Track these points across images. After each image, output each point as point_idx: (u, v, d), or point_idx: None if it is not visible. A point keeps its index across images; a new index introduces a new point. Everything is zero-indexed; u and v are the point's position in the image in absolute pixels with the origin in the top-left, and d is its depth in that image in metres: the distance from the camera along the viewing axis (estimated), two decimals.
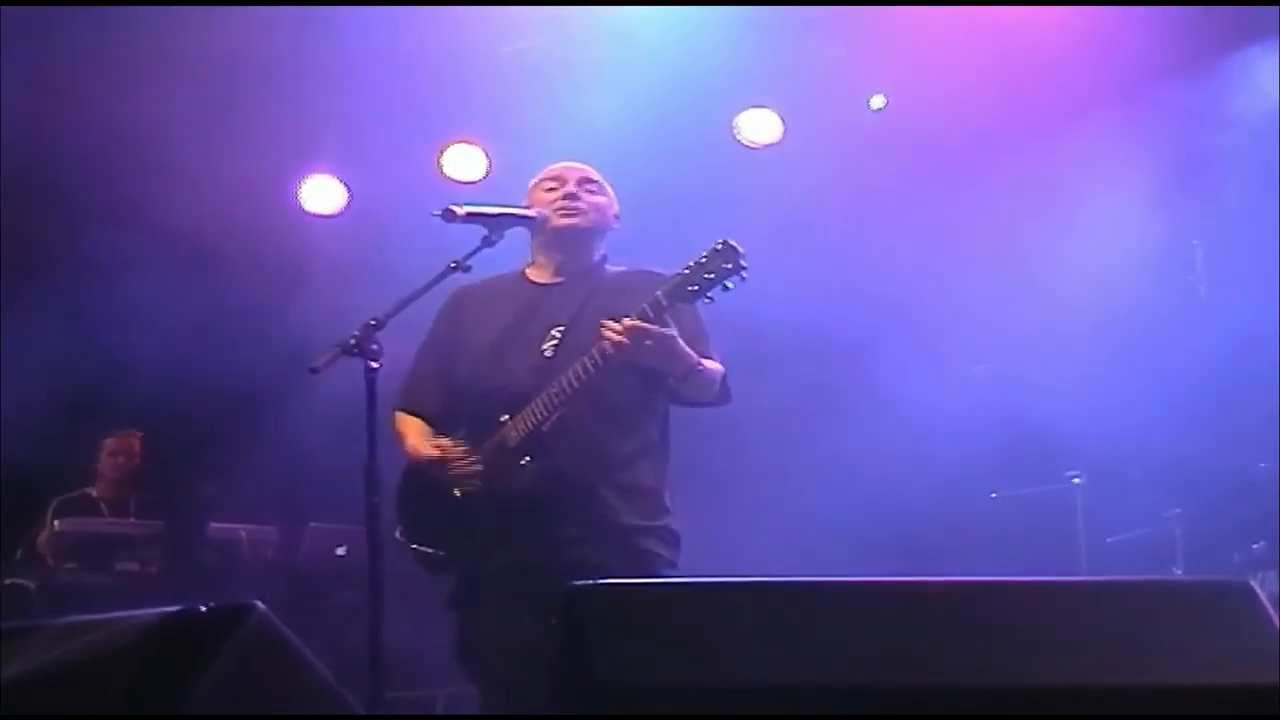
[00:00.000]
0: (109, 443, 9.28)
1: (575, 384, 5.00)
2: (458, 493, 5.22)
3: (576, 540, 5.06)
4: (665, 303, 4.92)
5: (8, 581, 8.42)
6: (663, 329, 4.94)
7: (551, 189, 5.43)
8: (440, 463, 5.23)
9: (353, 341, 4.94)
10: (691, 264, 4.90)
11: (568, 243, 5.43)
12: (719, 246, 4.88)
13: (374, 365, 4.95)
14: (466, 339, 5.43)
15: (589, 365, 4.97)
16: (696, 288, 4.88)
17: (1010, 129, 8.30)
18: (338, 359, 4.96)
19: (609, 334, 4.90)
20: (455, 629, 5.33)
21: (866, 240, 8.58)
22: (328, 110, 8.60)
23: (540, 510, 5.10)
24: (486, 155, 9.02)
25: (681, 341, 5.02)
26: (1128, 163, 7.93)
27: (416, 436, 5.38)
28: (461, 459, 5.22)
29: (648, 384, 5.19)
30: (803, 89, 8.68)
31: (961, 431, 8.16)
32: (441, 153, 9.01)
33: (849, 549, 8.06)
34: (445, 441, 5.28)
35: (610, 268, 5.50)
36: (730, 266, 4.86)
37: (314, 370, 4.98)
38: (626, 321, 4.90)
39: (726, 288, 4.89)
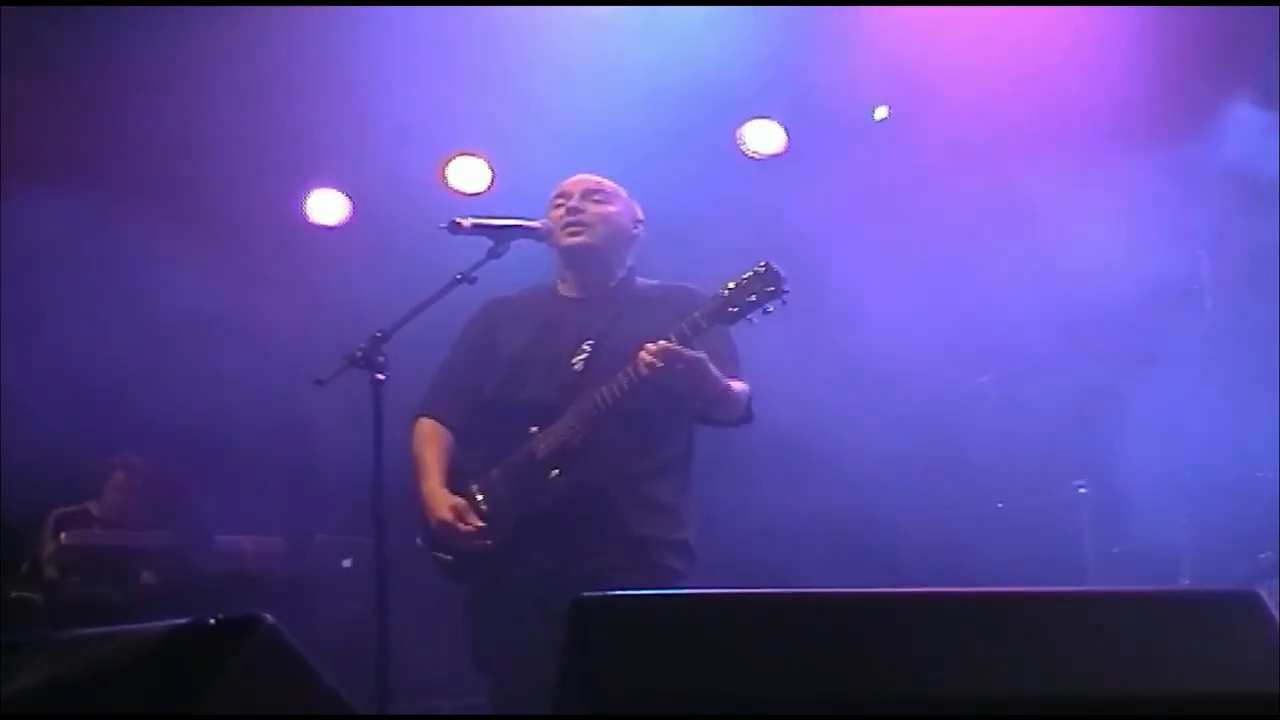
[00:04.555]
0: (118, 476, 9.26)
1: (608, 401, 5.01)
2: (483, 504, 5.24)
3: (594, 553, 5.08)
4: (704, 324, 4.93)
5: (14, 594, 8.41)
6: (696, 353, 4.94)
7: (559, 205, 5.44)
8: (454, 530, 5.23)
9: (359, 354, 4.97)
10: (732, 285, 4.88)
11: (579, 261, 5.44)
12: (760, 269, 4.87)
13: (380, 377, 4.97)
14: (496, 350, 5.45)
15: (623, 384, 4.98)
16: (737, 309, 4.87)
17: (1015, 140, 8.29)
18: (344, 371, 4.98)
19: (644, 356, 4.90)
20: (471, 636, 5.35)
21: (869, 250, 8.57)
22: (331, 122, 8.60)
23: (563, 522, 5.11)
24: (490, 167, 9.02)
25: (712, 367, 5.03)
26: (1133, 173, 7.91)
27: (434, 476, 5.37)
28: (472, 533, 5.22)
29: (674, 403, 5.19)
30: (806, 100, 8.68)
31: (966, 441, 8.15)
32: (445, 164, 9.01)
33: (853, 559, 8.05)
34: (462, 504, 5.27)
35: (641, 281, 5.49)
36: (772, 290, 4.85)
37: (320, 383, 5.00)
38: (661, 344, 4.89)
39: (767, 311, 4.88)
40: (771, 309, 4.87)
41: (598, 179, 5.54)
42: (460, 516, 5.23)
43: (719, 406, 5.18)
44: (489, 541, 5.21)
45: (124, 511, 9.22)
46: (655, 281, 5.53)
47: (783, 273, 4.86)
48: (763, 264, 4.88)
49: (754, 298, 4.85)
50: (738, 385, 5.20)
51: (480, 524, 5.21)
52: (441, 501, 5.28)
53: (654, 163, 7.51)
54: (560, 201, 5.45)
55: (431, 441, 5.46)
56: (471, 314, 5.64)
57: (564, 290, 5.53)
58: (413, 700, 7.97)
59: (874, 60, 8.35)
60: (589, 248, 5.41)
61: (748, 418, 5.34)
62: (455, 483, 5.36)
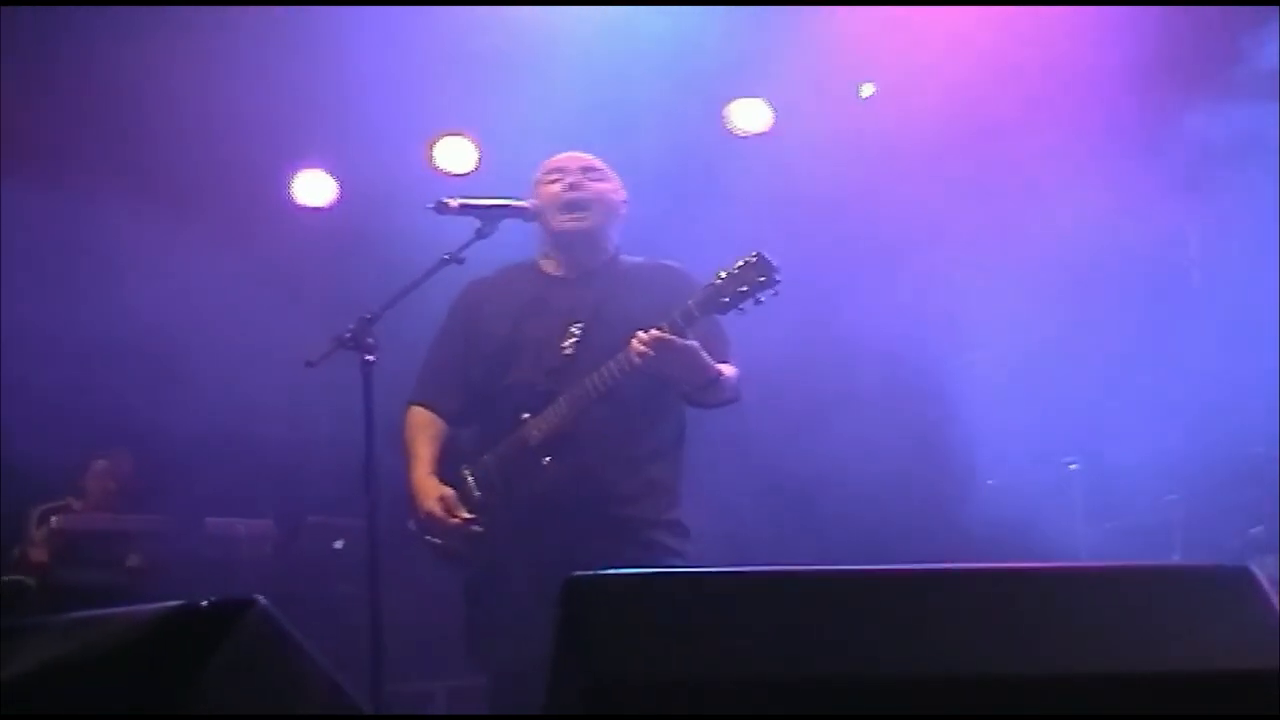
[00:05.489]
0: (99, 464, 9.24)
1: (600, 389, 5.02)
2: (475, 490, 5.24)
3: (589, 535, 5.07)
4: (697, 313, 4.93)
5: (7, 578, 8.40)
6: (688, 342, 4.95)
7: (554, 181, 5.41)
8: (441, 523, 5.23)
9: (348, 335, 4.98)
10: (724, 275, 4.89)
11: (575, 242, 5.42)
12: (752, 259, 4.88)
13: (370, 358, 4.97)
14: (483, 333, 5.44)
15: (615, 371, 4.98)
16: (729, 300, 4.89)
17: (1003, 116, 8.29)
18: (334, 353, 4.99)
19: (636, 345, 4.90)
20: (467, 619, 5.35)
21: (856, 228, 8.58)
22: (318, 104, 8.58)
23: (559, 508, 5.12)
24: (477, 147, 9.01)
25: (704, 354, 5.04)
26: (1121, 149, 7.92)
27: (423, 465, 5.37)
28: (458, 525, 5.22)
29: (666, 387, 5.20)
30: (793, 78, 8.66)
31: (957, 418, 8.16)
32: (432, 145, 9.00)
33: (845, 537, 8.06)
34: (449, 493, 5.27)
35: (626, 259, 5.48)
36: (764, 280, 4.86)
37: (310, 364, 5.01)
38: (654, 333, 4.90)
39: (759, 301, 4.89)
40: (764, 299, 4.88)
41: (590, 157, 5.52)
42: (447, 508, 5.23)
43: (709, 392, 5.19)
44: (478, 529, 5.21)
45: (108, 502, 9.20)
46: (640, 259, 5.52)
47: (775, 262, 4.87)
48: (754, 254, 4.89)
49: (746, 287, 4.86)
50: (727, 370, 5.21)
51: (467, 516, 5.22)
52: (429, 492, 5.28)
53: (640, 141, 7.51)
54: (556, 177, 5.42)
55: (422, 430, 5.46)
56: (455, 296, 5.62)
57: (548, 268, 5.51)
58: (406, 682, 7.97)
59: (861, 38, 8.33)
60: (589, 230, 5.40)
61: (735, 399, 5.35)
62: (448, 467, 5.35)
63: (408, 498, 5.37)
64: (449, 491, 5.26)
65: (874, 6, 8.04)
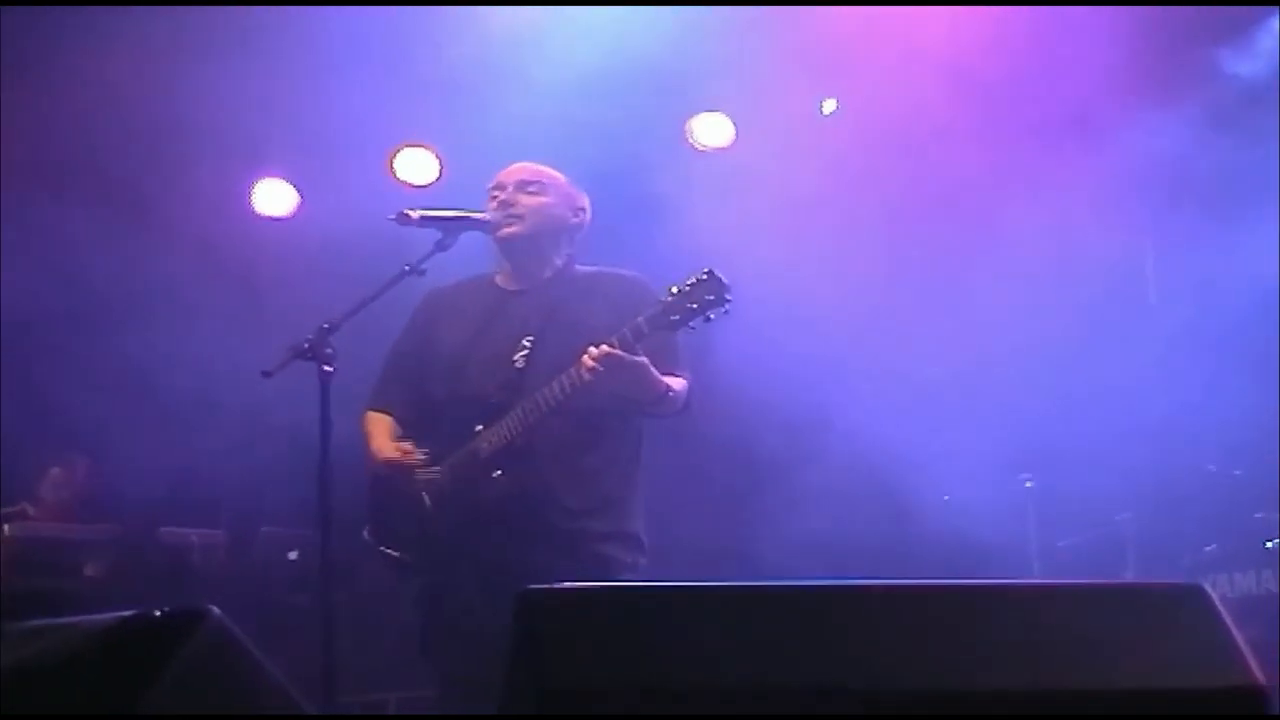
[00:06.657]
0: (54, 472, 9.20)
1: (550, 403, 5.03)
2: (427, 501, 5.25)
3: (541, 548, 5.09)
4: (646, 330, 4.94)
5: None
6: (637, 359, 4.96)
7: (494, 196, 5.44)
8: (400, 465, 5.25)
9: (306, 345, 4.97)
10: (675, 291, 4.90)
11: (513, 252, 5.45)
12: (703, 276, 4.88)
13: (327, 369, 4.97)
14: (439, 344, 5.46)
15: (565, 386, 4.99)
16: (678, 317, 4.89)
17: (960, 135, 8.31)
18: (291, 362, 4.98)
19: (586, 361, 4.91)
20: (419, 628, 5.36)
21: (816, 244, 8.58)
22: (279, 113, 8.55)
23: (508, 520, 5.14)
24: (438, 159, 9.00)
25: (653, 370, 5.04)
26: (1078, 167, 7.95)
27: (381, 437, 5.40)
28: (421, 463, 5.24)
29: (618, 401, 5.21)
30: (755, 93, 8.68)
31: (912, 436, 8.17)
32: (393, 156, 8.99)
33: (799, 551, 8.06)
34: (407, 445, 5.30)
35: (580, 269, 5.50)
36: (714, 298, 4.87)
37: (267, 374, 5.00)
38: (604, 349, 4.91)
39: (709, 319, 4.89)
40: (714, 316, 4.88)
41: (535, 168, 5.53)
42: (406, 453, 5.26)
43: (659, 406, 5.20)
44: (435, 470, 5.22)
45: (64, 509, 9.16)
46: (593, 268, 5.53)
47: (726, 280, 4.87)
48: (706, 271, 4.89)
49: (696, 305, 4.87)
50: (677, 383, 5.21)
51: (423, 456, 5.24)
52: (387, 447, 5.33)
53: (600, 153, 7.50)
54: (495, 193, 5.46)
55: (379, 424, 5.49)
56: (415, 305, 5.64)
57: (502, 282, 5.54)
58: (358, 693, 7.95)
59: (822, 54, 8.35)
60: (521, 239, 5.42)
61: (685, 410, 5.35)
62: (402, 478, 5.37)
63: (364, 463, 5.40)
64: (406, 444, 5.29)
65: (835, 10, 8.03)
